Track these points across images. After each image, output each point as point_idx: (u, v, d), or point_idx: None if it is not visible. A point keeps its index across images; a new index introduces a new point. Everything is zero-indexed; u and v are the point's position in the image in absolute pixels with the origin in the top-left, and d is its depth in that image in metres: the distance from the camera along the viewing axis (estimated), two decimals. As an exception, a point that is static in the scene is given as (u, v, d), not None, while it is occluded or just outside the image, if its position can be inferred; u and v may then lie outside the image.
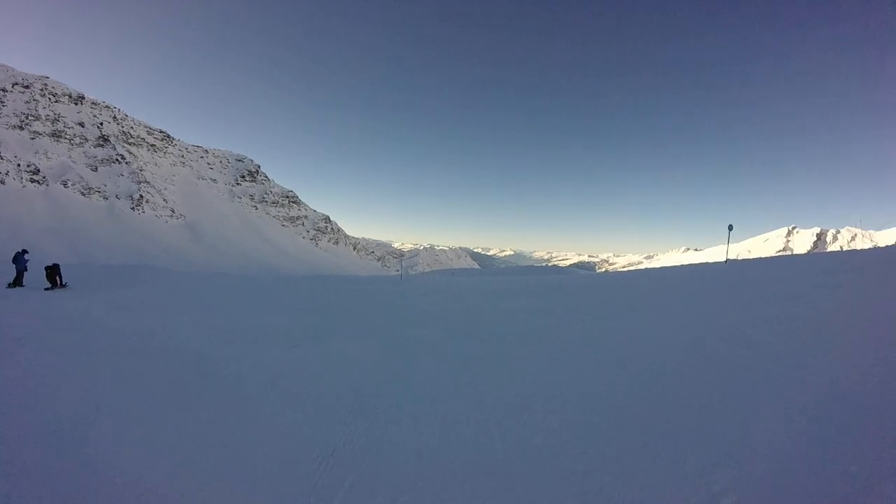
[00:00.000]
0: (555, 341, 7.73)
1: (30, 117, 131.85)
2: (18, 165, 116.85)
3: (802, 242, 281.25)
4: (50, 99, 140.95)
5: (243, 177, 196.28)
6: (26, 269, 15.28)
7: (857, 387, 3.88)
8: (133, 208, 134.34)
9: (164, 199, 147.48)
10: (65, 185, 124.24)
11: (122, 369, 5.92)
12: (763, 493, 2.72)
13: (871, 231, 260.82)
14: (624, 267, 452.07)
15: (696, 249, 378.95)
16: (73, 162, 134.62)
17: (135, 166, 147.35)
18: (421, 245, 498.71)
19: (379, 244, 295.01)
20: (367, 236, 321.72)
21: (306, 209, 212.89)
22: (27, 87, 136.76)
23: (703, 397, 4.27)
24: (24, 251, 15.49)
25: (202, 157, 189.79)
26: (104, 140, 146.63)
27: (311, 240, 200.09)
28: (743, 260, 23.37)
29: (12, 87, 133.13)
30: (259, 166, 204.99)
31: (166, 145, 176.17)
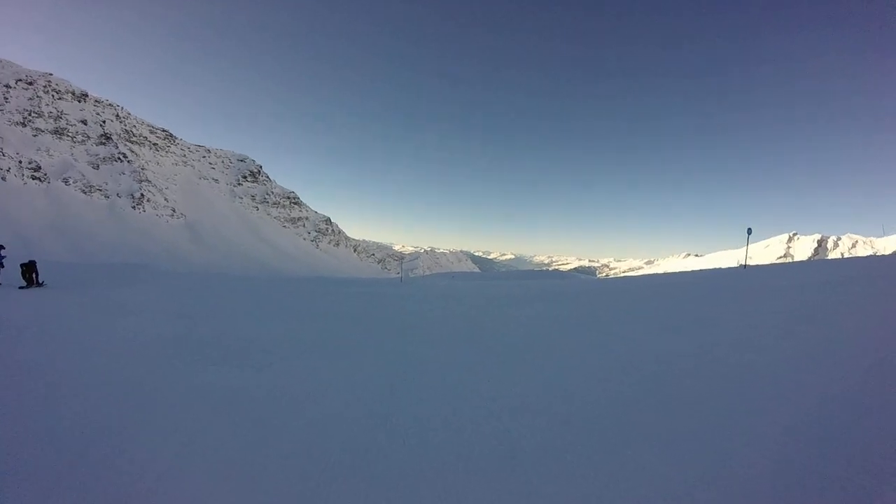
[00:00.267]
0: (562, 348, 7.25)
1: (32, 114, 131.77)
2: (20, 162, 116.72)
3: (803, 249, 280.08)
4: (53, 96, 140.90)
5: (245, 177, 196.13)
6: (2, 266, 14.58)
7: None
8: (134, 207, 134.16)
9: (166, 199, 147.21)
10: (66, 182, 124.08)
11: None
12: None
13: (872, 238, 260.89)
14: (624, 272, 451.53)
15: (696, 255, 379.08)
16: (75, 159, 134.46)
17: (136, 165, 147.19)
18: (422, 248, 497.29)
19: (380, 246, 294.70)
20: (367, 238, 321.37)
21: (307, 210, 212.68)
22: (30, 83, 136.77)
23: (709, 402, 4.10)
24: (1, 246, 14.67)
25: (204, 157, 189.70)
26: (106, 138, 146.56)
27: (312, 241, 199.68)
28: (762, 266, 22.82)
29: (16, 83, 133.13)
30: (261, 167, 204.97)
31: (168, 144, 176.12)
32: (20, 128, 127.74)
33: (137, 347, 7.07)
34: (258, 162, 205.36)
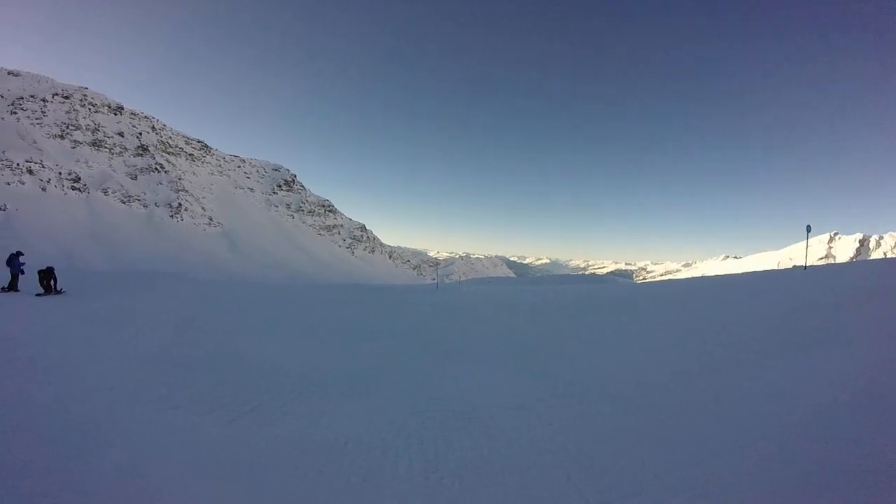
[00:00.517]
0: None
1: (70, 127, 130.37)
2: (60, 173, 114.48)
3: (845, 249, 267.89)
4: (90, 109, 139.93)
5: (280, 186, 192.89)
6: (23, 273, 14.37)
7: None
8: (172, 216, 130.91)
9: (203, 208, 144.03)
10: (105, 192, 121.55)
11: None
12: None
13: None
14: (662, 275, 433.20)
15: (735, 257, 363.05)
16: (114, 170, 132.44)
17: (173, 175, 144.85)
18: (457, 254, 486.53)
19: (415, 253, 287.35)
20: (402, 245, 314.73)
21: (342, 218, 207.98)
22: (67, 97, 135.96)
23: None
24: (20, 253, 14.67)
25: (239, 167, 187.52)
26: (143, 149, 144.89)
27: (347, 248, 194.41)
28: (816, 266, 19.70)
29: (52, 97, 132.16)
30: (295, 175, 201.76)
31: (204, 155, 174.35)
32: (58, 140, 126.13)
33: (110, 369, 6.37)
34: (292, 171, 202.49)
